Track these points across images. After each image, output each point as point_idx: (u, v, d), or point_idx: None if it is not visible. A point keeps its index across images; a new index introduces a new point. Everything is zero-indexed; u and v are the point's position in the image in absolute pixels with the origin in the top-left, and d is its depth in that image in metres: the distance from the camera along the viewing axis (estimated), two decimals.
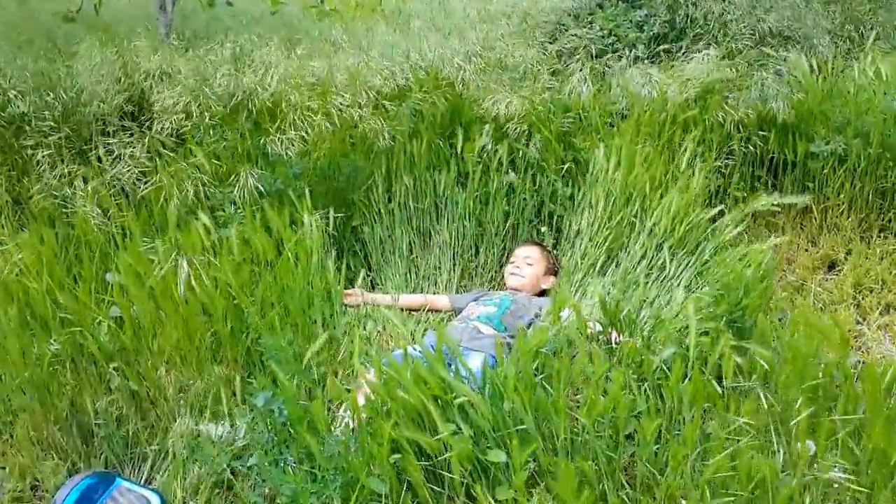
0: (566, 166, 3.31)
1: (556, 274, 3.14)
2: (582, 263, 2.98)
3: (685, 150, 3.28)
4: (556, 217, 3.30)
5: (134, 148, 2.97)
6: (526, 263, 3.08)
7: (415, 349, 2.28)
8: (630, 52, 4.28)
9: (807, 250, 3.35)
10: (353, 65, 3.57)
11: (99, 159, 2.95)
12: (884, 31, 4.60)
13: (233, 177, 2.91)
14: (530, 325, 2.80)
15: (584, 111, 3.50)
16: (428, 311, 3.01)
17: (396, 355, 2.41)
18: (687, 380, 1.89)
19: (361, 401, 2.06)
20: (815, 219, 3.44)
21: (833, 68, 3.76)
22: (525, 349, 2.00)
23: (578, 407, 1.98)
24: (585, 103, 3.53)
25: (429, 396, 1.82)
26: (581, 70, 3.94)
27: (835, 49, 4.33)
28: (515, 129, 3.41)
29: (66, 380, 2.31)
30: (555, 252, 3.25)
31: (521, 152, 3.31)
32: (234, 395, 2.22)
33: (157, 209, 2.80)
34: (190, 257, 2.32)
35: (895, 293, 3.00)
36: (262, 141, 3.00)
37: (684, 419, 1.88)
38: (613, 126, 3.42)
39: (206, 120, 3.07)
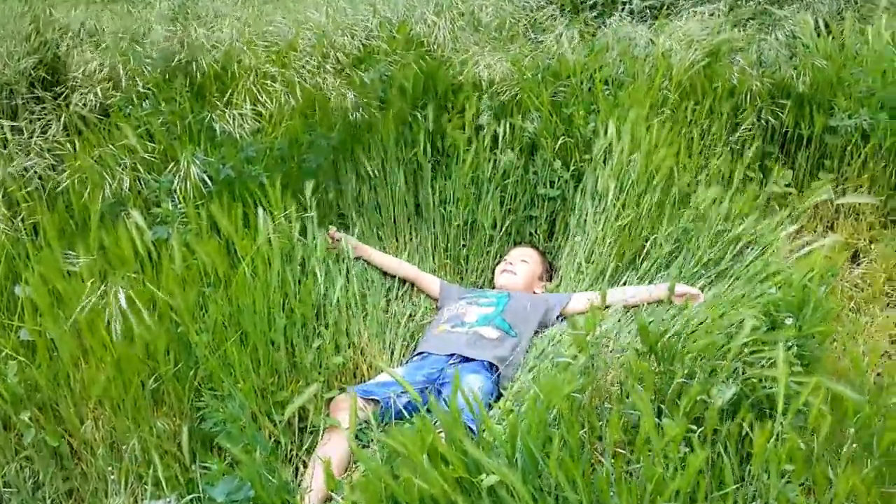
0: (563, 144, 2.87)
1: (549, 280, 2.81)
2: (588, 267, 2.56)
3: (695, 124, 2.88)
4: (554, 208, 2.88)
5: (48, 125, 2.41)
6: (521, 261, 2.71)
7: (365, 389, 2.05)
8: (620, 6, 3.85)
9: (825, 237, 2.99)
10: (316, 17, 3.04)
11: (5, 141, 2.39)
12: None
13: (171, 161, 2.39)
14: (542, 325, 2.46)
15: (577, 77, 3.05)
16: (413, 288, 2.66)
17: (358, 390, 2.07)
18: (776, 441, 1.50)
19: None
20: (832, 202, 3.08)
21: (843, 30, 3.37)
22: (557, 394, 1.58)
23: (632, 475, 1.58)
24: (577, 68, 3.07)
25: (451, 480, 1.40)
26: (567, 28, 3.50)
27: (836, 6, 3.94)
28: (500, 99, 2.96)
29: None
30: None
31: (513, 127, 2.85)
32: (182, 454, 1.75)
33: (78, 204, 2.27)
34: (120, 287, 1.81)
35: None
36: (207, 116, 2.48)
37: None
38: (610, 95, 2.98)
39: (139, 88, 2.52)
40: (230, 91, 2.58)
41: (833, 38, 3.30)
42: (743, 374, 1.81)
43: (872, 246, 2.90)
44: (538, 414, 1.54)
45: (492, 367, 2.26)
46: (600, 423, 1.75)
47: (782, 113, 3.10)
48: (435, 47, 3.12)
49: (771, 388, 1.79)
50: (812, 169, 3.15)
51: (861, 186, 3.02)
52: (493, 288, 2.75)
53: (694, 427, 1.63)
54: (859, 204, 3.00)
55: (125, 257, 1.90)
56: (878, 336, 2.44)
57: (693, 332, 1.93)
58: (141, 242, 1.97)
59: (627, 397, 1.80)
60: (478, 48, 3.12)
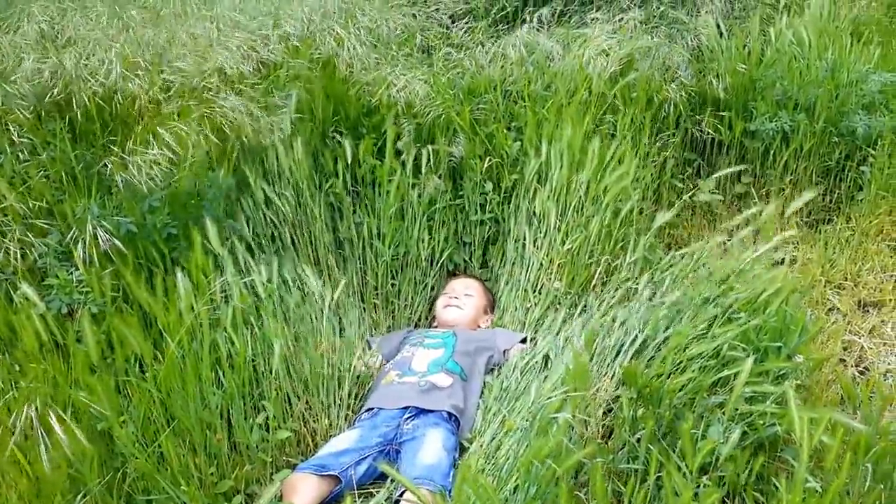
0: (490, 164, 2.69)
1: (492, 312, 2.62)
2: (536, 297, 2.39)
3: (622, 137, 2.77)
4: (485, 233, 2.71)
5: None
6: (465, 294, 2.53)
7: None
8: (518, 15, 3.72)
9: (755, 242, 2.96)
10: (205, 36, 2.72)
11: None
12: None
13: (60, 219, 2.05)
14: (491, 365, 2.31)
15: (494, 94, 2.89)
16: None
17: (312, 466, 1.87)
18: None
19: None
20: (756, 205, 3.05)
21: (747, 32, 3.37)
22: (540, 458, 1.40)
23: None
24: (495, 83, 2.91)
25: None
26: (476, 39, 3.34)
27: (728, 7, 3.95)
28: (419, 121, 2.75)
29: None
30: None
31: (436, 152, 2.65)
32: None
33: None
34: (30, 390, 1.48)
35: (867, 289, 2.67)
36: (99, 163, 2.14)
37: None
38: (529, 110, 2.82)
39: (12, 134, 2.15)
40: (122, 131, 2.25)
41: (735, 39, 3.28)
42: (737, 412, 1.69)
43: (798, 247, 2.89)
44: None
45: (450, 417, 2.06)
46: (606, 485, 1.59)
47: (702, 120, 3.05)
48: (343, 66, 2.87)
49: (772, 424, 1.68)
50: (733, 175, 3.11)
51: (784, 189, 3.00)
52: (433, 324, 2.55)
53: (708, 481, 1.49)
54: (784, 206, 2.99)
55: (26, 346, 1.57)
56: (831, 344, 2.39)
57: (676, 369, 1.79)
58: (40, 323, 1.64)
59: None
60: (388, 67, 2.89)
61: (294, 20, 2.89)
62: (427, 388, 2.12)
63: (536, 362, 2.08)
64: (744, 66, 3.02)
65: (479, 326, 2.51)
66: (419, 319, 2.60)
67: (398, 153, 2.63)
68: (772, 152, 2.98)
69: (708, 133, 3.08)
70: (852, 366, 2.36)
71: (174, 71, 2.47)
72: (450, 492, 1.80)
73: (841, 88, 2.97)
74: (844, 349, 2.43)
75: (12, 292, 1.85)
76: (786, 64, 3.08)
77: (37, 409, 1.50)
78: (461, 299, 2.52)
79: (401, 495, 1.81)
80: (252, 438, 1.82)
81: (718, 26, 3.44)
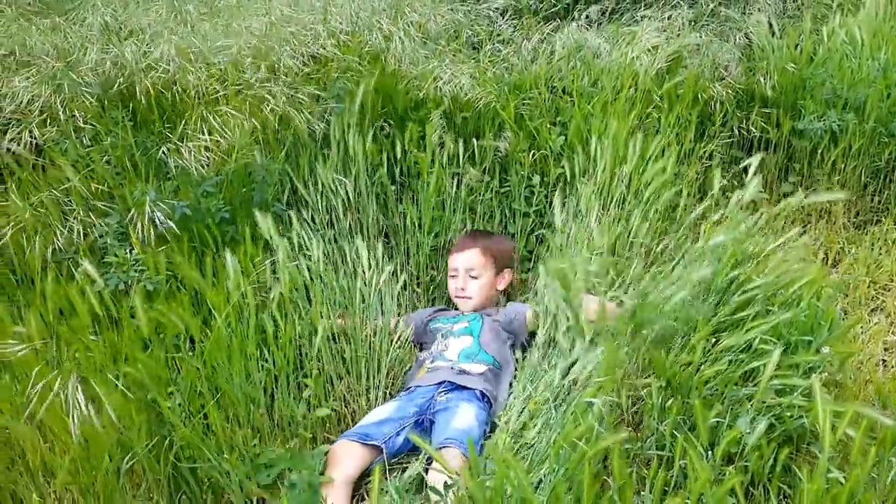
0: (536, 158, 2.74)
1: (510, 267, 2.56)
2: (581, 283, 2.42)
3: (667, 133, 2.78)
4: (529, 224, 2.75)
5: None
6: (469, 277, 2.49)
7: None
8: (569, 12, 3.75)
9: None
10: (259, 29, 2.81)
11: None
12: None
13: (119, 202, 2.16)
14: (511, 346, 2.35)
15: (539, 89, 2.93)
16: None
17: (356, 435, 1.94)
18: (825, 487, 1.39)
19: None
20: (803, 205, 3.03)
21: (801, 31, 3.34)
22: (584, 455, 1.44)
23: None
24: (540, 79, 2.95)
25: None
26: (525, 35, 3.38)
27: (782, 5, 3.92)
28: (465, 115, 2.81)
29: None
30: (501, 234, 2.69)
31: (482, 145, 2.70)
32: None
33: (19, 257, 2.02)
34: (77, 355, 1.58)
35: None
36: (157, 150, 2.25)
37: None
38: (576, 105, 2.86)
39: (78, 120, 2.27)
40: (179, 119, 2.35)
41: (787, 38, 3.26)
42: (764, 404, 1.71)
43: (849, 248, 2.86)
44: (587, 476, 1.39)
45: (483, 397, 2.12)
46: (631, 469, 1.63)
47: (749, 118, 3.05)
48: (391, 60, 2.95)
49: (799, 417, 1.69)
50: (780, 174, 3.10)
51: (831, 189, 2.98)
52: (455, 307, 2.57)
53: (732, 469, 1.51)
54: (831, 206, 2.97)
55: (80, 318, 1.67)
56: (872, 344, 2.38)
57: (706, 360, 1.82)
58: (96, 298, 1.74)
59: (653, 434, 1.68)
60: (436, 61, 2.96)
61: (342, 16, 2.96)
62: (459, 371, 2.18)
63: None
64: (794, 64, 3.00)
65: (499, 290, 2.52)
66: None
67: (442, 145, 2.70)
68: (819, 151, 2.96)
69: (755, 131, 3.07)
70: (893, 366, 2.35)
71: (228, 62, 2.56)
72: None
73: (892, 88, 2.93)
74: (886, 350, 2.42)
75: (74, 270, 1.96)
76: (837, 63, 3.05)
77: (87, 377, 1.59)
78: (467, 286, 2.47)
79: (429, 464, 1.86)
80: (298, 412, 1.90)
81: (770, 25, 3.43)
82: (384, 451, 1.92)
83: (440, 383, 2.15)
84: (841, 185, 2.99)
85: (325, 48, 2.86)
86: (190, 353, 1.77)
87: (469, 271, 2.49)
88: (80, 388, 1.55)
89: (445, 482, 1.51)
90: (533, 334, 2.31)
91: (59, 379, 1.58)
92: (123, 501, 1.61)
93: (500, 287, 2.53)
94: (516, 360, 2.25)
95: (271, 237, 2.04)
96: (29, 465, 1.63)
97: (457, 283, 2.50)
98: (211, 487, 1.72)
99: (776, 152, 3.09)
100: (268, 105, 2.49)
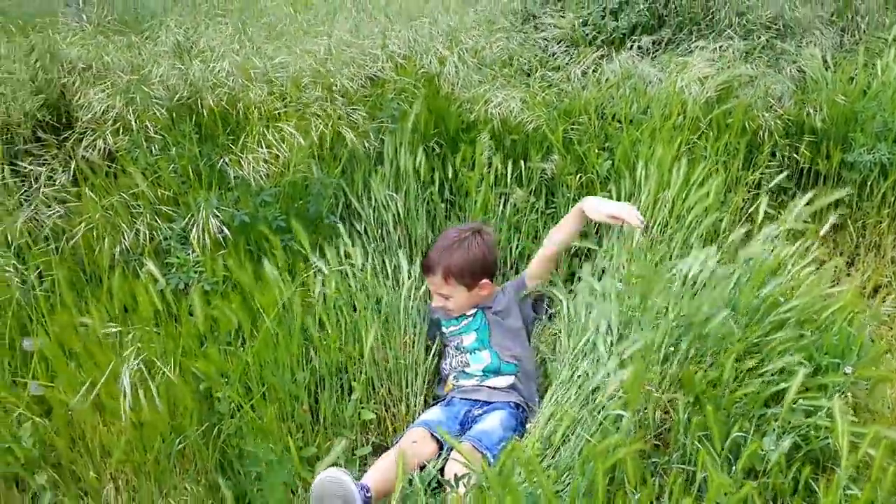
0: (583, 181, 2.82)
1: (486, 275, 2.39)
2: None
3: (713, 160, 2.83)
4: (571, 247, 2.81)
5: (53, 171, 2.32)
6: (441, 297, 2.38)
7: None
8: (621, 43, 3.82)
9: (849, 274, 2.95)
10: (318, 52, 2.97)
11: (6, 187, 2.29)
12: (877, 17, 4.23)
13: (183, 208, 2.30)
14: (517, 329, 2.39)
15: (589, 115, 3.01)
16: None
17: (426, 424, 2.05)
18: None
19: None
20: (853, 236, 3.04)
21: (856, 64, 3.35)
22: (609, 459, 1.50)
23: None
24: (590, 105, 3.03)
25: None
26: (577, 63, 3.46)
27: (838, 39, 3.92)
28: (513, 137, 2.91)
29: None
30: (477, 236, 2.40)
31: (528, 167, 2.79)
32: None
33: (90, 255, 2.17)
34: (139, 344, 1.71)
35: None
36: (220, 161, 2.40)
37: None
38: (624, 132, 2.93)
39: (147, 131, 2.43)
40: (241, 133, 2.50)
41: (841, 71, 3.28)
42: (791, 425, 1.74)
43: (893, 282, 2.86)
44: (598, 472, 1.45)
45: (517, 406, 2.21)
46: (652, 479, 1.67)
47: (798, 149, 3.07)
48: (444, 83, 3.07)
49: (825, 438, 1.72)
50: (830, 206, 3.10)
51: (881, 222, 2.98)
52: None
53: (753, 484, 1.55)
54: (881, 240, 2.97)
55: (142, 312, 1.80)
56: None
57: (736, 378, 1.86)
58: (157, 295, 1.88)
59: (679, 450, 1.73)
60: (488, 85, 3.06)
61: (400, 40, 3.09)
62: (489, 389, 2.26)
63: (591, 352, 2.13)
64: (844, 97, 3.02)
65: (484, 295, 2.41)
66: None
67: (490, 165, 2.79)
68: (869, 184, 2.96)
69: (804, 162, 3.09)
70: None
71: (288, 81, 2.70)
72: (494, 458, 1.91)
73: None
74: None
75: (139, 269, 2.10)
76: (889, 96, 3.06)
77: (146, 366, 1.72)
78: (444, 303, 2.37)
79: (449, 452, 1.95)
80: (346, 412, 2.00)
81: (824, 58, 3.45)
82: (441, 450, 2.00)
83: (475, 401, 2.23)
84: (891, 218, 2.98)
85: (382, 70, 2.99)
86: (241, 349, 1.88)
87: (437, 290, 2.38)
88: (138, 375, 1.68)
89: (456, 474, 1.59)
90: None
91: (119, 366, 1.70)
92: (173, 482, 1.72)
93: (485, 293, 2.40)
94: (535, 316, 2.35)
95: (321, 247, 2.15)
96: (88, 445, 1.76)
97: (436, 299, 2.41)
98: (256, 475, 1.82)
99: (825, 183, 3.10)
100: (324, 122, 2.63)
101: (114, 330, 1.81)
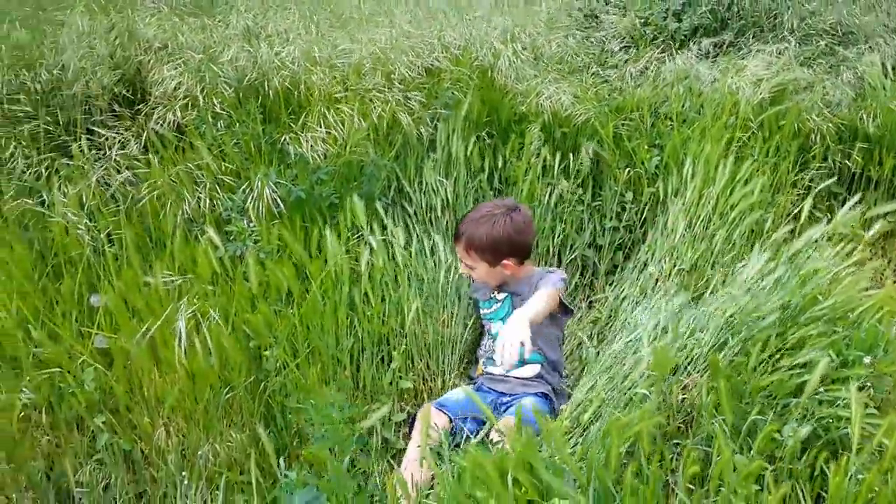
0: (630, 176, 2.88)
1: (512, 256, 2.30)
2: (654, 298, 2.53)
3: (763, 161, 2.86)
4: (617, 239, 2.87)
5: (126, 141, 2.49)
6: (465, 265, 2.37)
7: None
8: (681, 44, 3.85)
9: (895, 281, 2.94)
10: (380, 40, 3.09)
11: (83, 153, 2.46)
12: None
13: (244, 181, 2.44)
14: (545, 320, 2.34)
15: (640, 112, 3.06)
16: None
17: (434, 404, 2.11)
18: (851, 482, 1.47)
19: None
20: None
21: None
22: (629, 431, 1.57)
23: None
24: (642, 102, 3.08)
25: (523, 502, 1.40)
26: (634, 62, 3.52)
27: None
28: (563, 130, 2.98)
29: (41, 435, 1.87)
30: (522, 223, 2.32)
31: (577, 159, 2.87)
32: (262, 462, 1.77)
33: (155, 219, 2.32)
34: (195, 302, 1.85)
35: None
36: (281, 139, 2.53)
37: None
38: (675, 130, 2.98)
39: (214, 107, 2.58)
40: (302, 113, 2.63)
41: None
42: (813, 414, 1.78)
43: None
44: (614, 444, 1.53)
45: (545, 396, 2.27)
46: (671, 456, 1.74)
47: (850, 153, 3.07)
48: (497, 75, 3.16)
49: (845, 428, 1.76)
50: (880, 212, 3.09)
51: None
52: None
53: (767, 465, 1.60)
54: None
55: (201, 273, 1.94)
56: None
57: (761, 366, 1.90)
58: (216, 259, 2.01)
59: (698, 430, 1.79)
60: (540, 79, 3.14)
61: (457, 33, 3.19)
62: (516, 381, 2.30)
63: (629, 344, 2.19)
64: None
65: (507, 276, 2.36)
66: None
67: (538, 156, 2.87)
68: None
69: (855, 168, 3.09)
70: None
71: (349, 67, 2.83)
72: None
73: None
74: None
75: (199, 235, 2.24)
76: None
77: (201, 321, 1.86)
78: (467, 269, 2.36)
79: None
80: (385, 381, 2.11)
81: (884, 65, 3.43)
82: (452, 423, 2.08)
83: (501, 392, 2.29)
84: None
85: (438, 61, 3.10)
86: (290, 312, 2.00)
87: (464, 259, 2.35)
88: (193, 324, 1.81)
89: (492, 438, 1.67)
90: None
91: (176, 321, 1.84)
92: (219, 429, 1.85)
93: (508, 272, 2.33)
94: (566, 309, 2.34)
95: (369, 224, 2.26)
96: (144, 393, 1.90)
97: (461, 266, 2.39)
98: (297, 431, 1.94)
99: (877, 189, 3.10)
100: (382, 107, 2.74)
101: (174, 282, 1.95)
